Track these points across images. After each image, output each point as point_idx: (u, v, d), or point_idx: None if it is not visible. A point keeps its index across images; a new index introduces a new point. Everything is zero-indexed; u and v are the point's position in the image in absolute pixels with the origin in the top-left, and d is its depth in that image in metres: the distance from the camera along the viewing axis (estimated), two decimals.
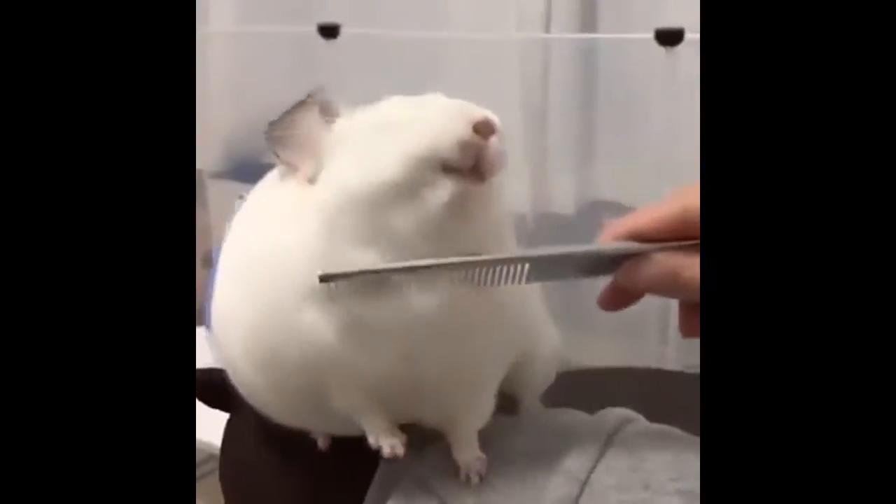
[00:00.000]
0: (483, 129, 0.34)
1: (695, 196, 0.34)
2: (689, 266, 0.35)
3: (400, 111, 0.36)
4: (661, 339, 0.94)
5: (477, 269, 0.35)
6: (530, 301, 0.43)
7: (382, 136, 0.35)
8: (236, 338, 0.41)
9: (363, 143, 0.36)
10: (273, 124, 0.38)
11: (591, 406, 0.46)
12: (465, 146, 0.34)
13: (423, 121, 0.35)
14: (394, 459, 0.40)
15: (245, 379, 0.42)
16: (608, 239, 0.37)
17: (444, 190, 0.35)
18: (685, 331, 0.38)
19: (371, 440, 0.39)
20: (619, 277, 0.37)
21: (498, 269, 0.36)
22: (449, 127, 0.34)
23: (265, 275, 0.38)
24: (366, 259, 0.35)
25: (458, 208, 0.35)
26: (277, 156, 0.38)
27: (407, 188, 0.35)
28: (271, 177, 0.42)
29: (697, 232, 0.34)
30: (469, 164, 0.35)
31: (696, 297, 0.35)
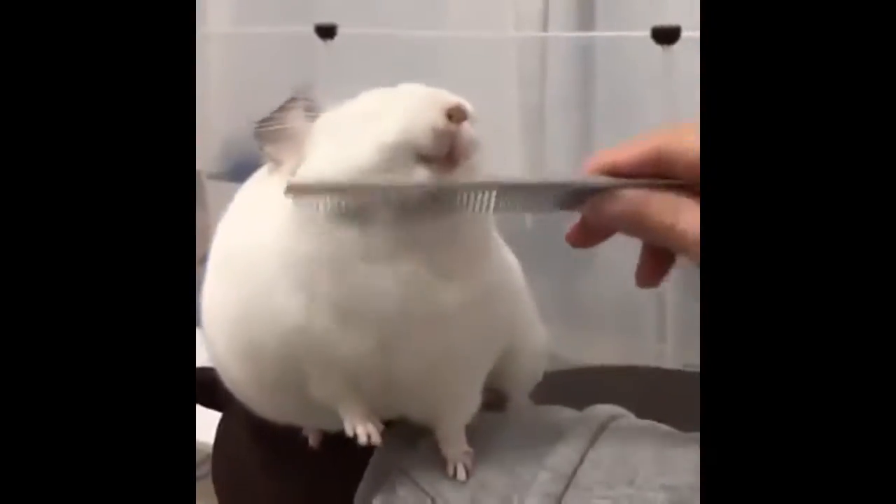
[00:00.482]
0: (456, 114, 0.35)
1: (671, 136, 0.35)
2: (656, 205, 0.35)
3: (375, 101, 0.37)
4: (660, 336, 0.94)
5: (443, 193, 0.35)
6: (515, 296, 0.44)
7: (357, 126, 0.36)
8: (221, 332, 0.42)
9: (339, 133, 0.36)
10: (260, 121, 0.39)
11: (589, 405, 0.46)
12: (438, 134, 0.35)
13: (397, 110, 0.35)
14: (370, 447, 0.40)
15: (231, 374, 0.43)
16: (585, 172, 0.36)
17: (418, 179, 0.35)
18: (640, 279, 0.38)
19: (347, 427, 0.39)
20: (586, 211, 0.37)
21: (465, 194, 0.35)
22: (422, 115, 0.35)
23: (244, 266, 0.39)
24: (343, 236, 0.36)
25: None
26: (263, 150, 0.39)
27: (380, 177, 0.35)
28: (259, 173, 0.42)
29: (669, 171, 0.34)
30: (444, 151, 0.35)
31: (659, 239, 0.35)
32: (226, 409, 0.52)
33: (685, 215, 0.34)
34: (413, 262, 0.36)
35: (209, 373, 0.48)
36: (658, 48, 0.85)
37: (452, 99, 0.35)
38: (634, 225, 0.36)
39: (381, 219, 0.35)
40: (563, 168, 1.01)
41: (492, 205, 0.36)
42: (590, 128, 1.00)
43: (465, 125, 0.35)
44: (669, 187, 0.35)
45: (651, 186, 0.35)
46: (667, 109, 0.86)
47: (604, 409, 0.45)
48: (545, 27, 0.98)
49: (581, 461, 0.40)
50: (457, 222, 0.36)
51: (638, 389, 0.59)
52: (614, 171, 0.36)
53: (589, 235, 0.38)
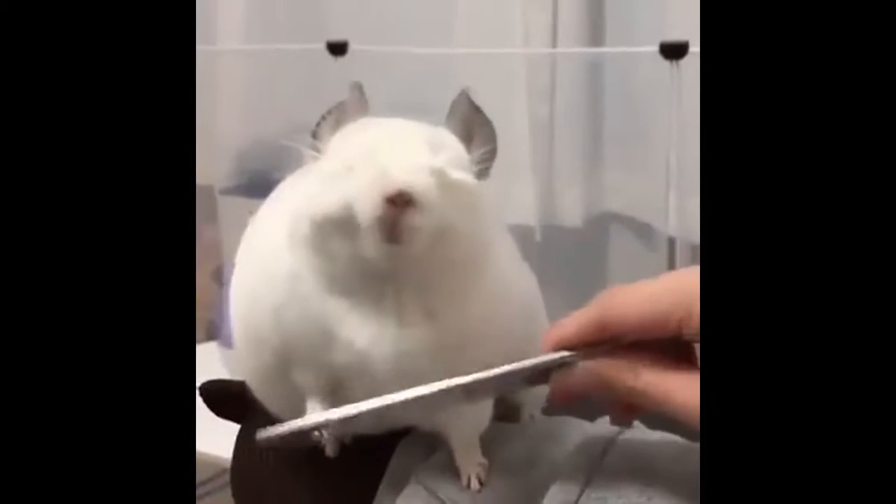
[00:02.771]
0: (397, 201, 0.35)
1: (608, 300, 0.37)
2: (611, 370, 0.37)
3: (351, 154, 0.38)
4: None
5: (410, 405, 0.37)
6: (523, 312, 0.44)
7: (335, 174, 0.37)
8: (237, 319, 0.44)
9: (325, 171, 0.38)
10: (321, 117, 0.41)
11: (600, 416, 0.47)
12: (374, 220, 0.36)
13: (354, 181, 0.36)
14: (388, 456, 0.42)
15: (242, 362, 0.45)
16: (543, 350, 0.38)
17: (366, 244, 0.36)
18: (612, 420, 0.41)
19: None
20: (555, 387, 0.39)
21: (430, 399, 0.37)
22: (364, 196, 0.36)
23: (259, 258, 0.41)
24: (315, 264, 0.38)
25: (383, 259, 0.37)
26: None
27: (336, 230, 0.37)
28: (293, 176, 0.44)
29: (614, 334, 0.36)
30: (383, 234, 0.36)
31: (622, 395, 0.37)
32: (246, 419, 0.53)
33: (642, 376, 0.36)
34: (378, 307, 0.38)
35: (228, 384, 0.49)
36: (666, 63, 0.86)
37: (397, 185, 0.35)
38: (598, 393, 0.38)
39: (346, 268, 0.37)
40: (572, 181, 1.01)
41: (459, 401, 0.38)
42: (599, 142, 1.01)
43: (410, 211, 0.35)
44: (622, 349, 0.36)
45: (605, 352, 0.37)
46: (675, 124, 0.86)
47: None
48: (554, 43, 0.98)
49: (594, 471, 0.40)
50: (426, 271, 0.38)
51: None
52: (566, 345, 0.38)
53: (567, 401, 0.39)
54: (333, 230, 0.37)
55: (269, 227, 0.42)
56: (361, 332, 0.38)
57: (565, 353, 0.37)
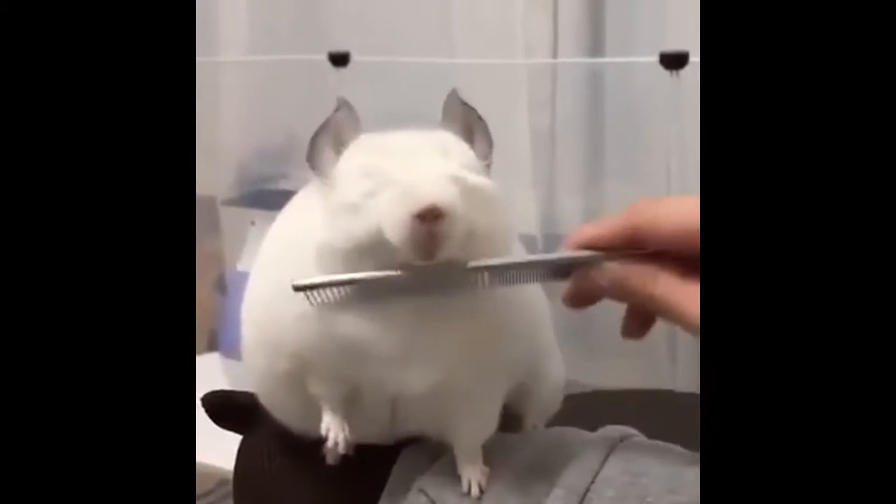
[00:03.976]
0: (427, 216, 0.35)
1: (643, 211, 0.37)
2: (635, 276, 0.37)
3: (369, 177, 0.38)
4: (671, 359, 0.94)
5: (440, 277, 0.37)
6: (531, 329, 0.45)
7: (356, 204, 0.38)
8: (253, 322, 0.44)
9: (343, 203, 0.38)
10: (311, 139, 0.41)
11: (601, 427, 0.47)
12: (407, 238, 0.36)
13: (378, 203, 0.37)
14: (388, 465, 0.42)
15: (253, 367, 0.45)
16: (569, 247, 0.39)
17: (400, 262, 0.37)
18: (625, 333, 0.41)
19: (322, 427, 0.42)
20: (575, 282, 0.39)
21: (460, 275, 0.38)
22: (394, 217, 0.36)
23: (286, 251, 0.42)
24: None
25: (412, 271, 0.37)
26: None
27: (368, 257, 0.37)
28: (305, 190, 0.44)
29: (643, 243, 0.37)
30: (417, 248, 0.36)
31: (641, 302, 0.38)
32: (248, 429, 0.53)
33: (662, 284, 0.36)
34: (411, 319, 0.38)
35: (229, 396, 0.49)
36: (666, 73, 0.86)
37: (425, 201, 0.36)
38: (617, 294, 0.38)
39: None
40: (573, 191, 1.01)
41: (486, 282, 0.38)
42: (599, 152, 1.01)
43: (441, 224, 0.36)
44: (646, 257, 0.37)
45: (629, 256, 0.37)
46: (675, 134, 0.87)
47: (615, 430, 0.45)
48: (555, 53, 0.99)
49: (593, 480, 0.41)
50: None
51: (649, 412, 0.59)
52: (595, 245, 0.38)
53: (581, 300, 0.40)
54: (366, 257, 0.37)
55: (286, 241, 0.42)
56: (395, 347, 0.38)
57: (593, 253, 0.38)
